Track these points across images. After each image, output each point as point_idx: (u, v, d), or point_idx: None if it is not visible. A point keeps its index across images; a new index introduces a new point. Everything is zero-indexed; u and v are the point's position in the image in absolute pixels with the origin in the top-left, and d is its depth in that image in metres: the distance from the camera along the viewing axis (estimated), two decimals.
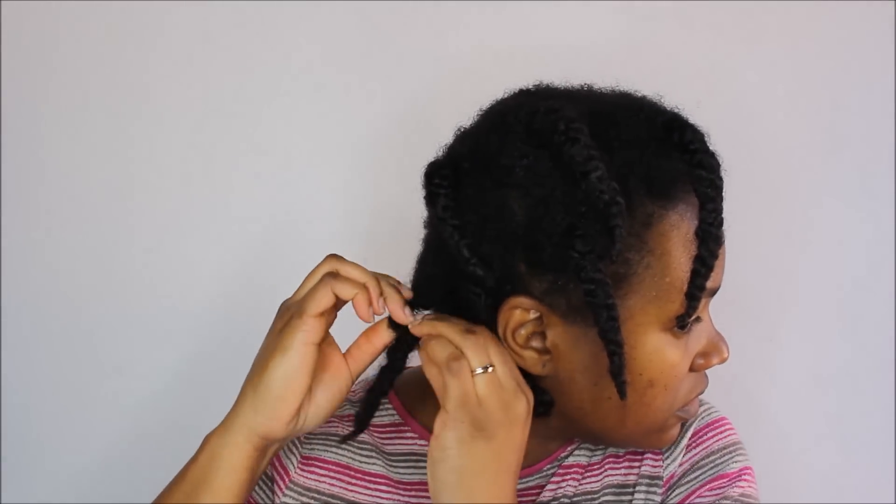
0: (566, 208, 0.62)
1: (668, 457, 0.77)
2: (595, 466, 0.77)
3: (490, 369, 0.64)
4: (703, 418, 0.78)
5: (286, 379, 0.66)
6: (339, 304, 0.69)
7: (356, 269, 0.69)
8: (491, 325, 0.67)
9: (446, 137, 0.71)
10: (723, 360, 0.70)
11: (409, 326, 0.68)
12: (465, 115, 0.71)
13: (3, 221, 1.09)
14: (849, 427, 1.06)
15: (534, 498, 0.76)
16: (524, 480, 0.76)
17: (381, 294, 0.68)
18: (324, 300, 0.66)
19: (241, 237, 1.08)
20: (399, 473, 0.77)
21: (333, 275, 0.68)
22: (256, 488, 0.78)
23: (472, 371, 0.64)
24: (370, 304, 0.67)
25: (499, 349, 0.66)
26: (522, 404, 0.65)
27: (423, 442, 0.77)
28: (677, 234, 0.64)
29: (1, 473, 1.13)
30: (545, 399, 0.69)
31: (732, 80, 1.03)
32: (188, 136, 1.07)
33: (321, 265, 0.70)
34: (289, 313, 0.68)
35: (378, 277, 0.69)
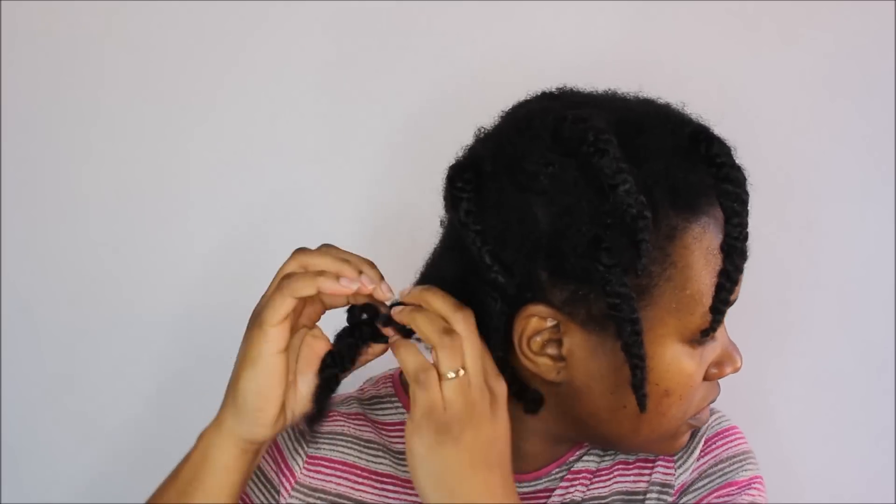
0: (592, 219, 0.62)
1: (679, 465, 0.77)
2: (604, 472, 0.77)
3: (461, 373, 0.63)
4: (713, 427, 0.78)
5: (258, 392, 0.66)
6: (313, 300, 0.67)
7: (323, 258, 0.66)
8: (505, 331, 0.66)
9: (460, 139, 0.70)
10: (736, 370, 0.70)
11: (392, 312, 0.67)
12: (480, 116, 0.70)
13: (3, 221, 1.08)
14: (849, 427, 1.06)
15: (542, 501, 0.76)
16: (532, 484, 0.76)
17: (360, 272, 0.66)
18: (282, 308, 0.64)
19: (247, 238, 1.08)
20: (407, 472, 0.76)
21: (290, 276, 0.66)
22: (257, 493, 0.78)
23: (442, 376, 0.63)
24: (340, 284, 0.65)
25: (475, 347, 0.64)
26: (485, 401, 0.64)
27: None
28: (700, 246, 0.64)
29: (1, 473, 1.12)
30: (535, 397, 0.69)
31: (731, 81, 1.03)
32: (193, 137, 1.07)
33: (284, 265, 0.67)
34: (252, 319, 0.67)
35: (354, 258, 0.67)
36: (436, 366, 0.64)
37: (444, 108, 1.02)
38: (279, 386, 0.66)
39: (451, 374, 0.63)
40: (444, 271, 0.70)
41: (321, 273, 0.65)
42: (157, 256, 1.09)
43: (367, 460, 0.78)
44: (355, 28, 1.04)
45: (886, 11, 1.02)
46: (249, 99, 1.06)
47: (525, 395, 0.69)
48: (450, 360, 0.63)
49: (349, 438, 0.79)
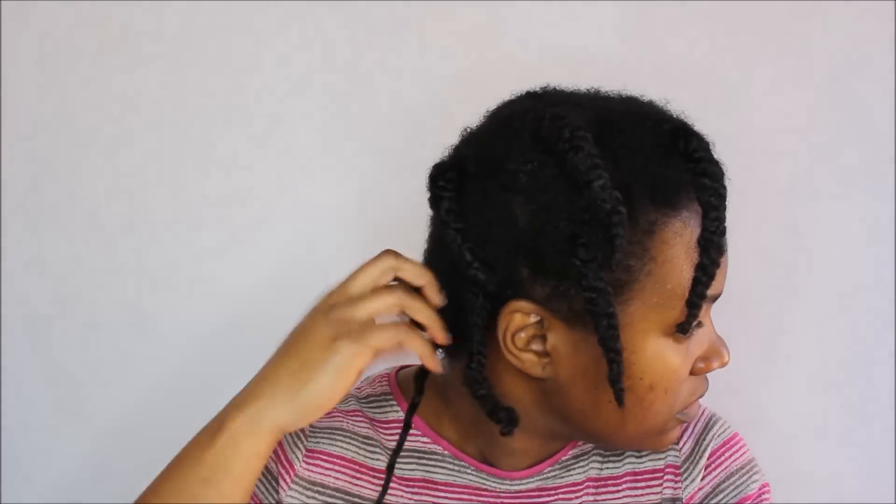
0: (569, 215, 0.62)
1: (686, 477, 0.77)
2: (611, 482, 0.78)
3: None
4: (718, 436, 0.79)
5: (331, 397, 0.66)
6: None
7: (425, 311, 0.68)
8: (489, 328, 0.66)
9: (450, 138, 0.71)
10: (723, 364, 0.70)
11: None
12: (469, 116, 0.71)
13: (4, 221, 1.09)
14: (849, 427, 1.06)
15: (534, 500, 0.76)
16: (524, 482, 0.77)
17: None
18: (390, 343, 0.66)
19: (246, 237, 1.08)
20: (402, 470, 0.77)
21: (409, 323, 0.67)
22: (259, 486, 0.79)
23: None
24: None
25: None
26: None
27: (426, 439, 0.77)
28: (680, 241, 0.64)
29: (1, 473, 1.13)
30: (510, 416, 0.69)
31: (731, 81, 1.03)
32: (189, 135, 1.07)
33: (388, 289, 0.68)
34: (345, 328, 0.66)
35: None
36: None
37: (439, 108, 1.02)
38: (347, 393, 0.67)
39: None
40: (431, 269, 0.70)
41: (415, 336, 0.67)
42: (157, 254, 1.09)
43: (365, 456, 0.78)
44: (353, 27, 1.04)
45: (886, 11, 1.02)
46: (245, 99, 1.06)
47: (497, 414, 0.69)
48: None
49: (347, 434, 0.79)
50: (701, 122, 0.67)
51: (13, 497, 1.13)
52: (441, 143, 0.71)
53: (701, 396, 0.72)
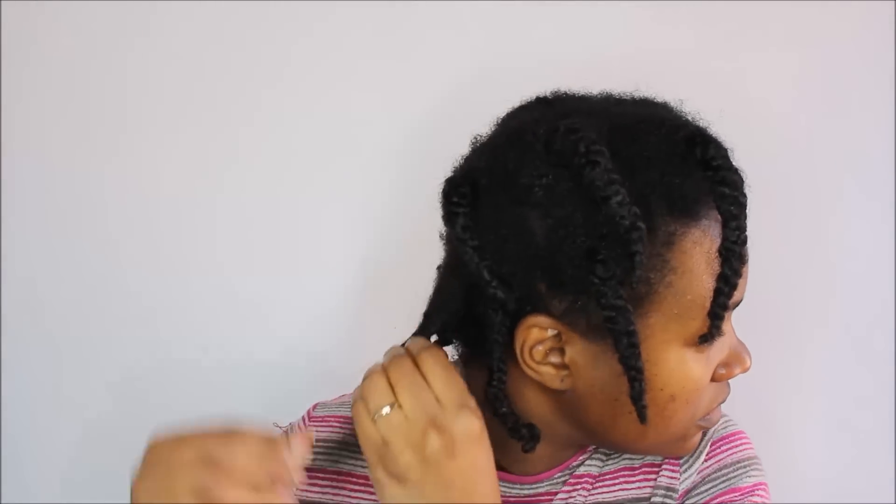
0: (587, 231, 0.61)
1: (685, 469, 0.77)
2: (607, 477, 0.77)
3: (387, 410, 0.62)
4: (719, 431, 0.78)
5: None
6: None
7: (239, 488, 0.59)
8: (507, 342, 0.66)
9: (459, 142, 0.70)
10: (745, 370, 0.69)
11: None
12: (478, 119, 0.70)
13: (3, 221, 1.08)
14: (849, 427, 1.06)
15: (542, 501, 0.76)
16: (533, 486, 0.76)
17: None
18: None
19: (247, 241, 1.08)
20: None
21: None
22: None
23: (372, 414, 0.62)
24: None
25: (410, 384, 0.63)
26: (434, 442, 0.61)
27: None
28: (699, 250, 0.63)
29: (1, 473, 1.12)
30: (532, 433, 0.69)
31: (732, 82, 1.03)
32: (190, 135, 1.07)
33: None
34: None
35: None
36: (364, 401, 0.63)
37: (446, 113, 1.02)
38: None
39: (386, 409, 0.62)
40: (450, 291, 0.69)
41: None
42: (158, 253, 1.09)
43: (363, 466, 0.77)
44: (355, 31, 1.04)
45: (886, 11, 1.02)
46: (246, 101, 1.06)
47: (519, 431, 0.68)
48: (373, 396, 0.63)
49: (342, 445, 0.78)
50: (716, 125, 0.66)
51: (13, 497, 1.13)
52: (448, 143, 0.70)
53: (722, 402, 0.71)
